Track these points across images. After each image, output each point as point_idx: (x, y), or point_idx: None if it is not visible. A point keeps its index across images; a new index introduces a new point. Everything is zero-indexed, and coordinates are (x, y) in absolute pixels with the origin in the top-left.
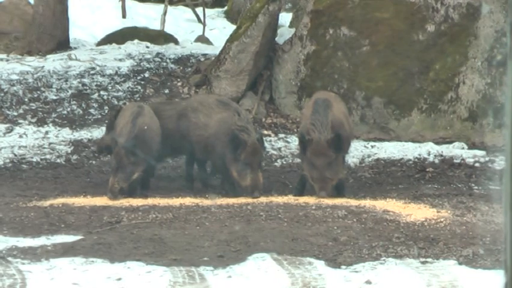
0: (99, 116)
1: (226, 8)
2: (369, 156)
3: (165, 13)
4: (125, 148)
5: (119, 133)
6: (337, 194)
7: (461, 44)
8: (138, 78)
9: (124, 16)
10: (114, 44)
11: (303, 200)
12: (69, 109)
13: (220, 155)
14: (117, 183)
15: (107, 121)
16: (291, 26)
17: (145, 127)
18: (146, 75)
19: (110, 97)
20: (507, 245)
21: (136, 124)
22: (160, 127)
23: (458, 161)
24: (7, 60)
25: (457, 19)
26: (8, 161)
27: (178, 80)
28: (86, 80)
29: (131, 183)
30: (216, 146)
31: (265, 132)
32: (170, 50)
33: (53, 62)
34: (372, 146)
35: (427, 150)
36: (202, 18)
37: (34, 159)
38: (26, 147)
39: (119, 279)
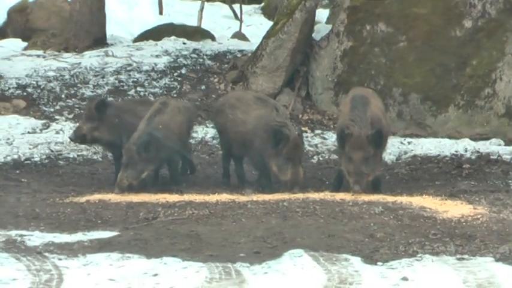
0: None
1: (263, 4)
2: (405, 152)
3: (202, 9)
4: (136, 145)
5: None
6: (373, 190)
7: (498, 40)
8: (175, 74)
9: (161, 13)
10: (150, 41)
11: (339, 196)
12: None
13: (258, 150)
14: (126, 179)
15: (84, 111)
16: (328, 22)
17: (160, 126)
18: (183, 71)
19: (146, 93)
20: None
21: (152, 122)
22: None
23: (495, 157)
24: (44, 57)
25: (494, 14)
26: (44, 157)
27: (215, 76)
28: (122, 77)
29: (141, 181)
30: (254, 141)
31: (302, 128)
32: (207, 46)
33: (90, 59)
34: (409, 143)
35: (464, 146)
36: (239, 15)
37: (71, 155)
38: (62, 143)
39: (155, 274)
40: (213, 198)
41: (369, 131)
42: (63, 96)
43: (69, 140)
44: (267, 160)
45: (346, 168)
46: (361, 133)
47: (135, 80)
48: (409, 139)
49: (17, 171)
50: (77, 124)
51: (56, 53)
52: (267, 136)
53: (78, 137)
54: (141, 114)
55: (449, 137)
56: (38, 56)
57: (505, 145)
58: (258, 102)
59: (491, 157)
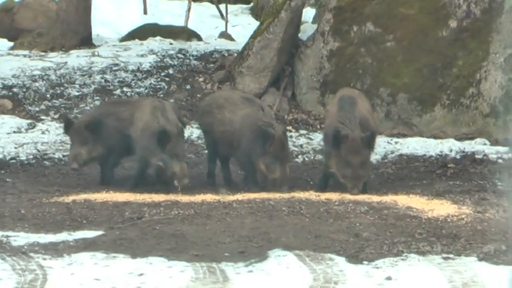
0: None
1: (251, 4)
2: (392, 152)
3: (189, 9)
4: None
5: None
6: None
7: (483, 40)
8: (162, 74)
9: (145, 12)
10: (137, 40)
11: (325, 196)
12: (91, 105)
13: (245, 150)
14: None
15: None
16: (314, 22)
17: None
18: (170, 71)
19: (132, 93)
20: None
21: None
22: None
23: (480, 157)
24: (30, 57)
25: (479, 14)
26: (31, 157)
27: (201, 76)
28: (108, 76)
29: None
30: (241, 141)
31: (288, 128)
32: (193, 46)
33: (77, 58)
34: (396, 142)
35: (449, 146)
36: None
37: (56, 156)
38: (48, 143)
39: (141, 274)
40: (198, 198)
41: (363, 133)
42: (48, 96)
43: (72, 169)
44: (254, 159)
45: (342, 173)
46: (356, 136)
47: (122, 79)
48: (395, 139)
49: (2, 171)
50: (72, 151)
51: (42, 53)
52: (254, 136)
53: (82, 165)
54: (122, 115)
55: (435, 137)
56: (24, 56)
57: (491, 145)
58: (245, 102)
59: (476, 157)
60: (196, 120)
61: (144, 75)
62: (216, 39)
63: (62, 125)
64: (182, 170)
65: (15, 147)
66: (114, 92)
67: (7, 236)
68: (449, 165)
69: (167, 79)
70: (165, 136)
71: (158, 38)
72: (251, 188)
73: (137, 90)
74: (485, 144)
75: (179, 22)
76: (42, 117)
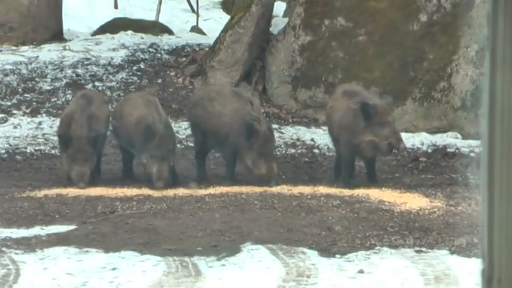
0: None
1: None
2: None
3: (160, 3)
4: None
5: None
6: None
7: (453, 34)
8: (134, 68)
9: (116, 7)
10: (107, 34)
11: (297, 190)
12: (63, 99)
13: (231, 144)
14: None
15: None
16: (284, 15)
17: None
18: (141, 65)
19: (104, 87)
20: (484, 234)
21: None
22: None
23: (452, 150)
24: (1, 51)
25: (450, 8)
26: (3, 151)
27: (172, 70)
28: (80, 71)
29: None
30: (228, 135)
31: None
32: (164, 41)
33: (48, 53)
34: None
35: (421, 140)
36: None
37: (28, 150)
38: (19, 137)
39: (114, 268)
40: (170, 192)
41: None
42: (20, 90)
43: (80, 188)
44: (241, 154)
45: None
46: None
47: (93, 73)
48: None
49: None
50: (77, 169)
51: (14, 47)
52: (241, 130)
53: (88, 181)
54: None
55: (406, 131)
56: None
57: (462, 139)
58: (234, 95)
59: (448, 150)
60: (185, 113)
61: (115, 70)
62: (187, 33)
63: (59, 141)
64: (160, 173)
65: None
66: (86, 87)
67: None
68: (421, 159)
69: (139, 73)
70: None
71: (129, 32)
72: (225, 180)
73: (108, 84)
74: (456, 137)
75: (150, 16)
76: (14, 111)
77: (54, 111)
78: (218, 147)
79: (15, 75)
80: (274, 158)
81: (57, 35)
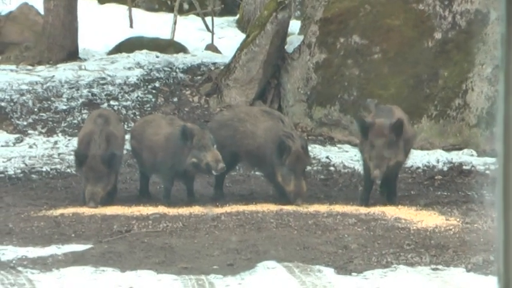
0: None
1: (237, 16)
2: None
3: (175, 22)
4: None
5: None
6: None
7: (468, 51)
8: (149, 87)
9: (131, 26)
10: (123, 53)
11: (313, 208)
12: (79, 118)
13: (269, 162)
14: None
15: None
16: (299, 33)
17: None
18: (156, 84)
19: (119, 106)
20: (500, 253)
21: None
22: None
23: (467, 167)
24: (16, 71)
25: (464, 26)
26: (19, 171)
27: (188, 89)
28: (95, 90)
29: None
30: (265, 153)
31: None
32: (180, 59)
33: (64, 72)
34: None
35: (436, 157)
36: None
37: (44, 169)
38: (35, 157)
39: (130, 287)
40: (186, 210)
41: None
42: (36, 109)
43: (91, 207)
44: (274, 170)
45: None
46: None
47: (109, 93)
48: None
49: None
50: (89, 190)
51: (29, 67)
52: (275, 147)
53: (100, 202)
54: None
55: (422, 148)
56: (11, 70)
57: (478, 156)
58: (264, 115)
59: (464, 168)
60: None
61: (131, 89)
62: (202, 52)
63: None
64: None
65: (3, 162)
66: (102, 106)
67: None
68: (436, 177)
69: (154, 92)
70: None
71: (145, 51)
72: (279, 199)
73: (124, 103)
74: (472, 155)
75: (165, 35)
76: (30, 131)
77: (70, 130)
78: (256, 167)
79: (31, 95)
80: (305, 176)
81: (72, 54)
